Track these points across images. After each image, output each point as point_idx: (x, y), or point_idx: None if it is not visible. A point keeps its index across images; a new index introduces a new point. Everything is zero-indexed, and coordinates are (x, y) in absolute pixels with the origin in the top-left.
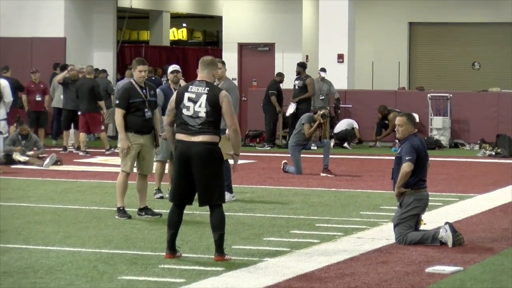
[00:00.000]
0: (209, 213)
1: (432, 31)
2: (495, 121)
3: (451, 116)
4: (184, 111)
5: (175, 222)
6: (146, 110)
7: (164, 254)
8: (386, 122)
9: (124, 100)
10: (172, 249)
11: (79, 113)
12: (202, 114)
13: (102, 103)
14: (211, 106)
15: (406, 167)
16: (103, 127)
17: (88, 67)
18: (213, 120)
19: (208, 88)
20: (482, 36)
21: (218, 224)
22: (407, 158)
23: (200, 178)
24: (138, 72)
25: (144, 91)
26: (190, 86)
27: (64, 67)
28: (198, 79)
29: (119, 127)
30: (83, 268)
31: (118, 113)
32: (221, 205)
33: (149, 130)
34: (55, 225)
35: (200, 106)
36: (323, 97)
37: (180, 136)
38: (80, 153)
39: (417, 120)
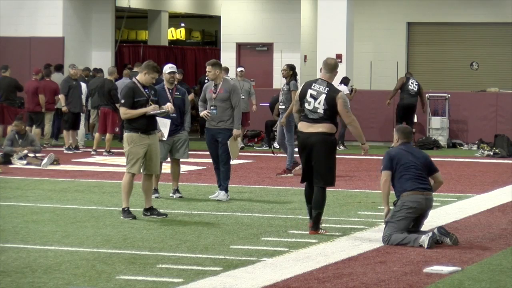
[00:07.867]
0: (207, 213)
1: (430, 31)
2: (493, 121)
3: (449, 116)
4: (306, 105)
5: (310, 197)
6: None
7: (163, 253)
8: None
9: (129, 99)
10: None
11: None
12: (321, 110)
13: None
14: (328, 105)
15: (381, 177)
16: (117, 129)
17: (110, 68)
18: (330, 115)
19: (328, 89)
20: (480, 36)
21: (316, 203)
22: (381, 168)
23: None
24: (151, 78)
25: (146, 90)
26: (314, 84)
27: (59, 67)
28: (321, 78)
29: (138, 112)
30: (81, 267)
31: (124, 110)
32: (324, 187)
33: (154, 128)
34: (53, 225)
35: (319, 103)
36: (244, 97)
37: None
38: (105, 153)
39: (415, 120)
